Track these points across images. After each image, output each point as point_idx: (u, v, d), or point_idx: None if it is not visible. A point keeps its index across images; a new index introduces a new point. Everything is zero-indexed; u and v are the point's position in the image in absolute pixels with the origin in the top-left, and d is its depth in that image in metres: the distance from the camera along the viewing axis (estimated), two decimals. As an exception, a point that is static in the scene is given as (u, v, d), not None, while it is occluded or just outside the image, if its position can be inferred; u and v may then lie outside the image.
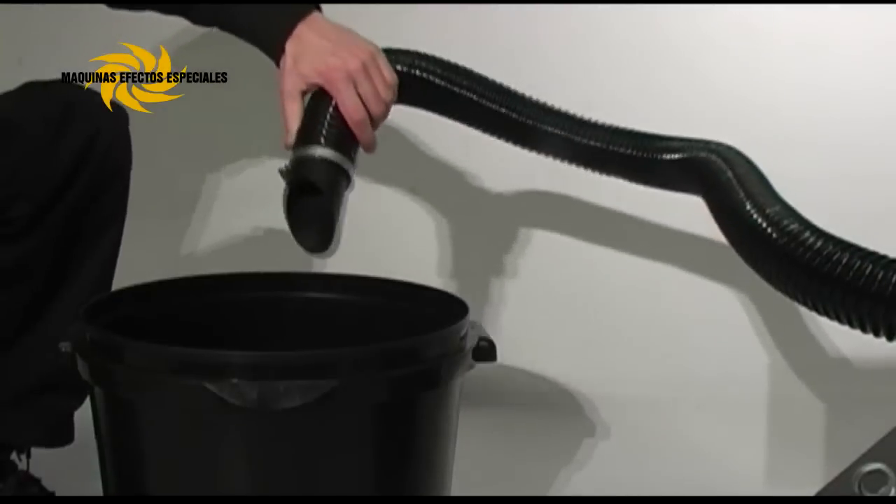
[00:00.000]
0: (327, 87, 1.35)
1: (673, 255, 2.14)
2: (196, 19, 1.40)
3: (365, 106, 1.35)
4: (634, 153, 1.64)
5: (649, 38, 2.16)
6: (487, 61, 2.19)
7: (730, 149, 1.58)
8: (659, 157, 1.62)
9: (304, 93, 1.36)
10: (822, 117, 2.14)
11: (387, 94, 1.38)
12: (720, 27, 2.15)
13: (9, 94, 1.37)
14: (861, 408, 1.83)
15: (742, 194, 1.45)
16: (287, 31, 1.36)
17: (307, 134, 1.33)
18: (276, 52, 1.37)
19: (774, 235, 1.35)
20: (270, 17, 1.38)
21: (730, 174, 1.50)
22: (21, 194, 1.32)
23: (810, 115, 2.14)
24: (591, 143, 1.66)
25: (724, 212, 1.49)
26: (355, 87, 1.35)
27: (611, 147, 1.65)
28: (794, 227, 1.35)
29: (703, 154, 1.58)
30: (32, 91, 1.37)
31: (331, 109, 1.35)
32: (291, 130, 1.34)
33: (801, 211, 2.10)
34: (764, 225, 1.38)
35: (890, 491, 0.95)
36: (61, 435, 1.44)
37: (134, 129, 1.41)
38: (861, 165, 2.13)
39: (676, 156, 1.60)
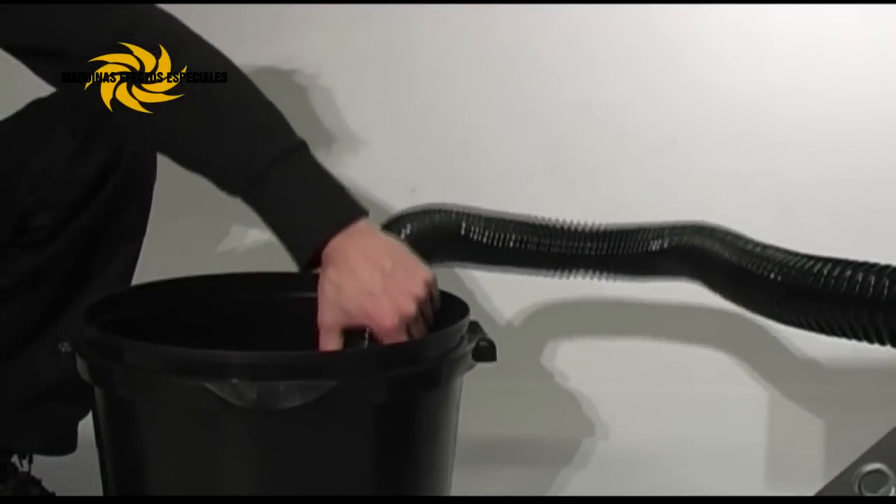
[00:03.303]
0: (377, 335, 1.18)
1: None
2: (222, 184, 1.21)
3: None
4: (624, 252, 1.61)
5: (649, 39, 2.16)
6: (488, 62, 2.20)
7: (700, 227, 1.59)
8: (646, 249, 1.60)
9: (345, 329, 1.20)
10: (821, 119, 2.14)
11: (430, 317, 1.23)
12: (721, 28, 2.15)
13: (38, 102, 1.37)
14: (861, 408, 1.83)
15: (731, 256, 1.46)
16: (324, 240, 1.18)
17: None
18: (305, 262, 1.19)
19: (772, 275, 1.37)
20: (305, 214, 1.19)
21: (713, 246, 1.51)
22: (44, 204, 1.32)
23: (811, 117, 2.14)
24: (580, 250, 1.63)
25: (721, 277, 1.50)
26: (408, 332, 1.19)
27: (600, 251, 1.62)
28: (785, 260, 1.36)
29: (684, 240, 1.57)
30: (63, 101, 1.35)
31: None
32: None
33: (800, 213, 2.13)
34: (759, 271, 1.39)
35: (890, 491, 0.95)
36: (64, 444, 1.44)
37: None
38: (860, 167, 2.13)
39: (659, 245, 1.59)
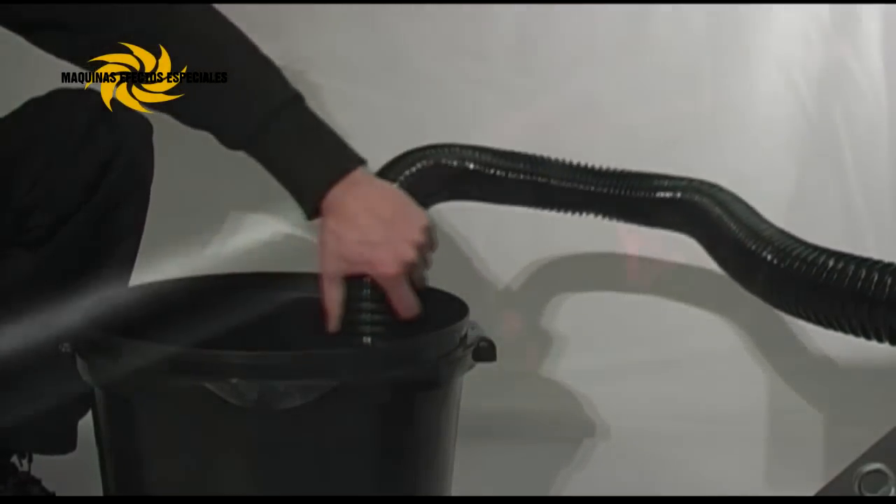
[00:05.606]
0: (379, 283, 1.24)
1: (674, 252, 2.14)
2: (223, 139, 1.24)
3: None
4: (627, 193, 1.58)
5: (649, 39, 2.16)
6: (488, 62, 2.20)
7: (713, 186, 1.58)
8: (652, 196, 1.57)
9: (347, 276, 1.25)
10: (821, 118, 2.14)
11: (431, 261, 1.28)
12: (720, 28, 2.15)
13: (36, 101, 1.37)
14: (861, 408, 1.83)
15: (735, 227, 1.44)
16: (323, 190, 1.21)
17: (353, 326, 1.27)
18: (309, 213, 1.24)
19: (770, 257, 1.36)
20: (303, 166, 1.22)
21: (718, 210, 1.50)
22: (42, 203, 1.32)
23: (810, 116, 2.14)
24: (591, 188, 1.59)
25: (722, 246, 1.48)
26: (409, 277, 1.24)
27: (607, 190, 1.59)
28: (790, 246, 1.35)
29: (692, 196, 1.56)
30: (59, 99, 1.36)
31: (372, 294, 1.26)
32: (334, 317, 1.26)
33: (801, 212, 2.12)
34: (759, 250, 1.38)
35: (890, 491, 0.95)
36: (64, 443, 1.44)
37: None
38: (861, 167, 2.13)
39: (668, 195, 1.56)
